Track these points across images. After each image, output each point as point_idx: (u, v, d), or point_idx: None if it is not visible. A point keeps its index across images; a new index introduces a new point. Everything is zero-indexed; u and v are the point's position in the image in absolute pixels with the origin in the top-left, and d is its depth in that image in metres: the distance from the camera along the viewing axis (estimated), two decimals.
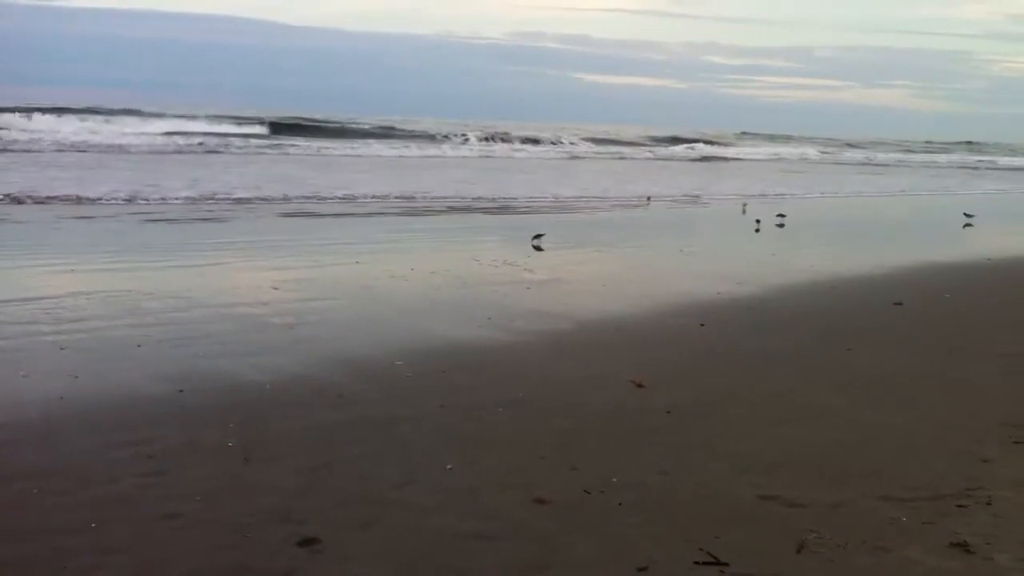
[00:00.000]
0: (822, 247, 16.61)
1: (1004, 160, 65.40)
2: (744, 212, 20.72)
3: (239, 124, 47.35)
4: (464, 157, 42.06)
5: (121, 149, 33.69)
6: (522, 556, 4.21)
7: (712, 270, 12.76)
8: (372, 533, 4.40)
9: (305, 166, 30.84)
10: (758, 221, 18.48)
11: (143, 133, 39.30)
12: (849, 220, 23.18)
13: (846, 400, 6.74)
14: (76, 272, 10.88)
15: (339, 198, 21.02)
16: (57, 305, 8.80)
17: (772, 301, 10.56)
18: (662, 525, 4.55)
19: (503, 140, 52.16)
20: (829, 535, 4.43)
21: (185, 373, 6.83)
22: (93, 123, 40.73)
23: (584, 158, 46.99)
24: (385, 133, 51.68)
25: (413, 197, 21.99)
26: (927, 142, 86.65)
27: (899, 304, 10.32)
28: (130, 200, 18.54)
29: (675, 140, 63.36)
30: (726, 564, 4.13)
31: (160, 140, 37.48)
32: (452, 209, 20.29)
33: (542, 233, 14.60)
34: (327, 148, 40.37)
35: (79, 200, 18.10)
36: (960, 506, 4.80)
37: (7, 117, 38.69)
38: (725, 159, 53.22)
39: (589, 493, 4.88)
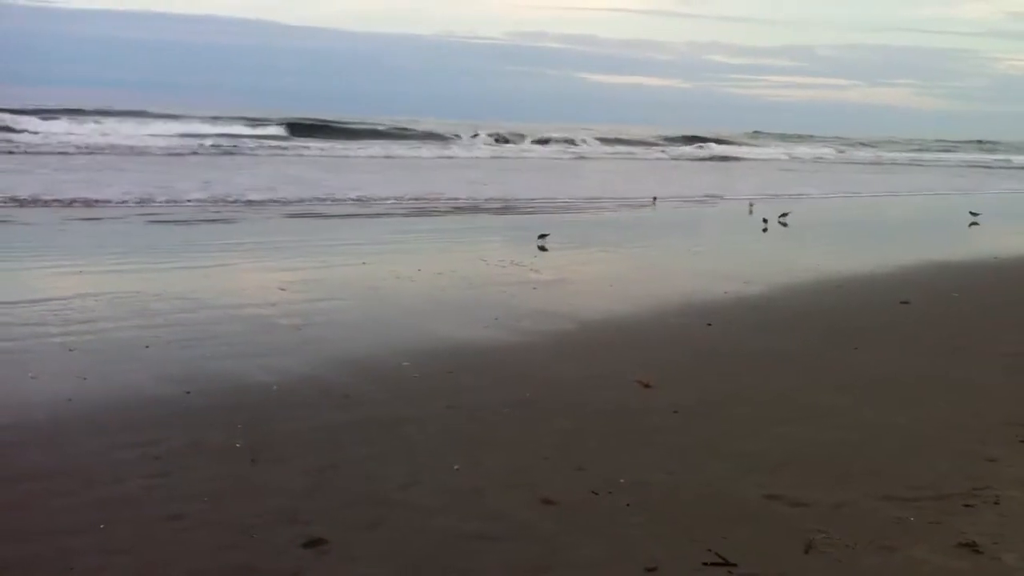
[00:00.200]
0: (828, 246, 16.58)
1: (1018, 159, 64.30)
2: (751, 212, 20.69)
3: (251, 125, 47.30)
4: (477, 158, 41.93)
5: (134, 151, 33.76)
6: (528, 557, 4.21)
7: (718, 270, 12.75)
8: (378, 534, 4.40)
9: (319, 167, 30.85)
10: (765, 220, 18.46)
11: (158, 135, 39.29)
12: (855, 219, 23.13)
13: (852, 399, 6.73)
14: (84, 273, 10.91)
15: (353, 199, 20.98)
16: (65, 306, 8.84)
17: (778, 300, 10.55)
18: (668, 525, 4.55)
19: (509, 141, 51.98)
20: (836, 535, 4.42)
21: (192, 374, 6.85)
22: (103, 125, 40.77)
23: (596, 158, 46.78)
24: (400, 134, 51.66)
25: (426, 198, 21.90)
26: (939, 140, 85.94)
27: (905, 303, 10.30)
28: (142, 202, 18.57)
29: (689, 139, 62.43)
30: (734, 564, 4.13)
31: (175, 142, 37.46)
32: (459, 209, 20.30)
33: (547, 233, 14.60)
34: (336, 149, 40.39)
35: (93, 203, 18.12)
36: (967, 505, 4.79)
37: (23, 119, 38.82)
38: (739, 159, 52.71)
39: (596, 494, 4.88)
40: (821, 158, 58.55)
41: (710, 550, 4.24)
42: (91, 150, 32.98)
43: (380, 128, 53.66)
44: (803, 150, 63.85)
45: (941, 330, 9.25)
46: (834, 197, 28.91)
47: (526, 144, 50.97)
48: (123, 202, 18.40)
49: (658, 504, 4.79)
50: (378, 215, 18.72)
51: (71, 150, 32.34)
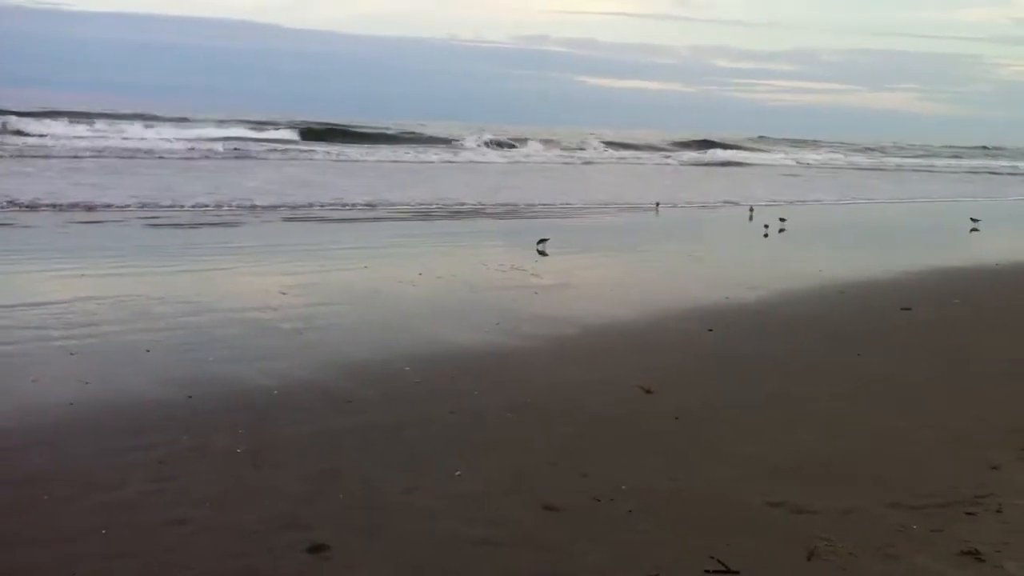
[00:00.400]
0: (829, 252, 16.57)
1: None
2: (751, 218, 20.70)
3: (258, 129, 47.22)
4: (485, 163, 41.75)
5: (141, 154, 33.70)
6: (530, 563, 4.21)
7: (720, 275, 12.76)
8: (380, 539, 4.40)
9: (333, 172, 30.73)
10: (766, 226, 18.46)
11: (167, 139, 39.22)
12: (857, 225, 23.12)
13: (854, 406, 6.72)
14: (86, 276, 10.91)
15: (363, 204, 20.85)
16: (67, 310, 8.84)
17: (780, 306, 10.54)
18: (671, 532, 4.54)
19: (515, 145, 51.84)
20: (839, 542, 4.41)
21: (194, 378, 6.85)
22: (109, 127, 40.78)
23: (603, 163, 46.55)
24: (410, 138, 51.55)
25: (436, 203, 21.76)
26: (947, 146, 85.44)
27: (907, 309, 10.29)
28: (144, 205, 18.52)
29: (698, 144, 61.89)
30: (736, 572, 4.12)
31: (183, 146, 37.41)
32: (460, 213, 20.30)
33: (546, 238, 14.57)
34: (345, 153, 40.33)
35: (99, 207, 18.10)
36: (970, 513, 4.79)
37: (26, 122, 38.86)
38: (748, 164, 52.18)
39: (598, 500, 4.87)
40: (826, 164, 57.64)
41: (713, 557, 4.23)
42: (98, 153, 32.95)
43: (390, 132, 53.55)
44: (814, 156, 63.08)
45: (943, 336, 9.24)
46: (848, 203, 28.70)
47: (532, 148, 50.82)
48: (126, 206, 18.35)
49: (660, 510, 4.79)
50: (379, 219, 18.72)
51: (85, 153, 32.25)
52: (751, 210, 21.94)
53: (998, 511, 4.81)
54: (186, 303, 9.43)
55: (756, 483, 5.15)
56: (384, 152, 42.27)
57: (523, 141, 52.73)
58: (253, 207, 19.28)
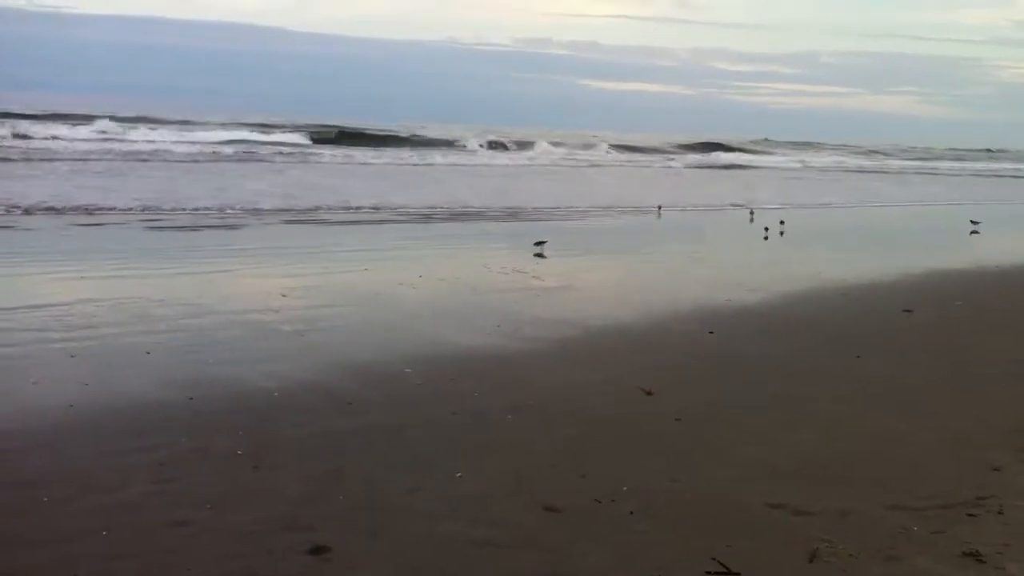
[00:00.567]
0: (831, 254, 16.56)
1: None
2: (752, 220, 20.70)
3: (264, 132, 47.16)
4: (493, 165, 41.66)
5: (146, 156, 33.71)
6: (532, 564, 4.21)
7: (721, 277, 12.75)
8: (381, 541, 4.40)
9: (343, 174, 30.74)
10: (766, 229, 18.44)
11: (180, 141, 39.22)
12: (857, 227, 23.10)
13: (855, 407, 6.72)
14: (86, 279, 10.91)
15: (370, 207, 20.81)
16: (67, 312, 8.84)
17: (781, 308, 10.54)
18: (672, 533, 4.54)
19: (521, 148, 51.79)
20: (840, 544, 4.41)
21: (195, 380, 6.85)
22: (113, 130, 40.81)
23: (608, 165, 46.46)
24: (417, 140, 51.54)
25: (442, 206, 21.72)
26: (951, 149, 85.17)
27: (908, 311, 10.29)
28: (148, 208, 18.52)
29: (703, 147, 61.75)
30: (737, 574, 4.12)
31: (196, 148, 37.38)
32: (462, 216, 20.29)
33: (544, 240, 14.54)
34: (353, 156, 40.35)
35: (106, 210, 18.10)
36: (971, 515, 4.78)
37: (29, 124, 38.92)
38: (754, 167, 51.96)
39: (599, 501, 4.87)
40: (830, 167, 56.97)
41: (714, 558, 4.23)
42: (103, 156, 32.96)
43: (402, 135, 53.50)
44: (824, 159, 62.61)
45: (944, 338, 9.24)
46: (856, 207, 28.55)
47: (538, 150, 50.76)
48: (129, 209, 18.35)
49: (661, 512, 4.78)
50: (381, 221, 18.72)
51: (91, 156, 32.23)
52: (752, 213, 21.94)
53: (999, 512, 4.80)
54: (187, 305, 9.43)
55: (757, 484, 5.14)
56: (393, 155, 42.17)
57: (529, 144, 52.66)
58: (256, 210, 19.27)
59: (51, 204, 18.11)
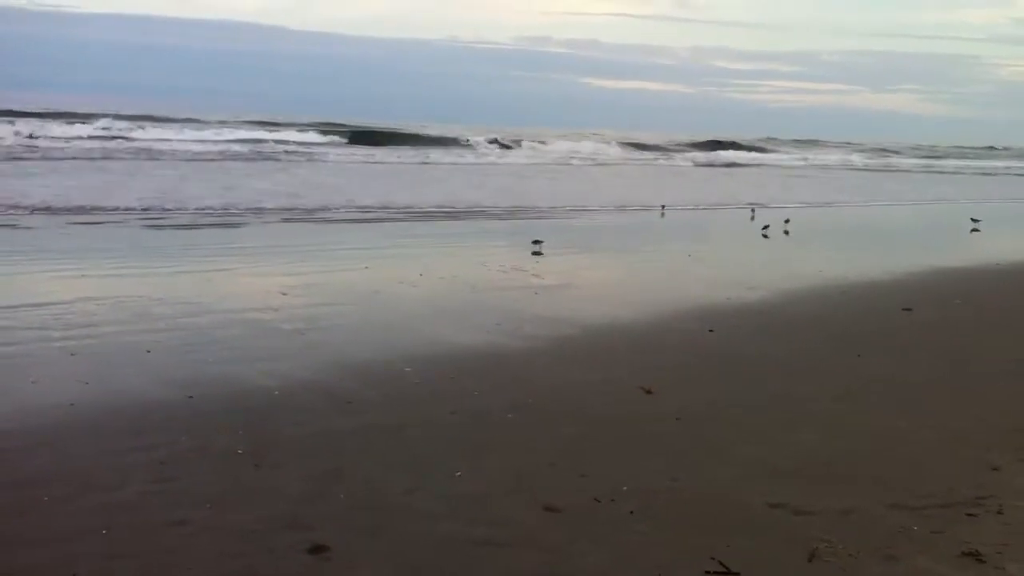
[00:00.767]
0: (831, 253, 16.55)
1: None
2: (753, 219, 20.69)
3: (270, 130, 47.13)
4: (499, 164, 41.46)
5: (153, 154, 33.71)
6: (531, 564, 4.21)
7: (721, 276, 12.74)
8: (380, 540, 4.40)
9: (351, 174, 30.77)
10: (766, 227, 18.45)
11: (181, 139, 39.20)
12: (857, 226, 23.10)
13: (855, 406, 6.72)
14: (86, 277, 10.91)
15: (378, 206, 20.73)
16: (67, 310, 8.84)
17: (781, 306, 10.54)
18: (672, 533, 4.54)
19: (531, 147, 51.73)
20: (840, 543, 4.41)
21: (195, 379, 6.85)
22: (115, 129, 40.80)
23: (613, 164, 46.34)
24: (427, 140, 51.56)
25: (446, 205, 21.64)
26: (957, 147, 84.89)
27: (908, 310, 10.29)
28: (149, 208, 18.51)
29: (711, 145, 61.35)
30: (737, 573, 4.12)
31: (199, 148, 37.36)
32: (463, 214, 20.27)
33: (541, 239, 14.54)
34: (359, 155, 40.37)
35: (114, 209, 18.11)
36: (970, 515, 4.78)
37: (30, 123, 38.94)
38: (765, 165, 51.73)
39: (599, 501, 4.87)
40: (835, 165, 56.67)
41: (713, 558, 4.23)
42: (114, 154, 32.96)
43: (405, 132, 53.50)
44: (831, 157, 62.36)
45: (944, 337, 9.24)
46: (867, 206, 28.48)
47: (543, 148, 50.70)
48: (129, 208, 18.33)
49: (661, 511, 4.78)
50: (381, 220, 18.71)
51: (95, 155, 32.20)
52: (752, 211, 21.93)
53: (999, 512, 4.80)
54: (187, 304, 9.43)
55: (757, 484, 5.14)
56: (402, 153, 42.15)
57: (540, 142, 52.60)
58: (260, 209, 19.25)
59: (55, 203, 18.11)
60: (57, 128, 38.35)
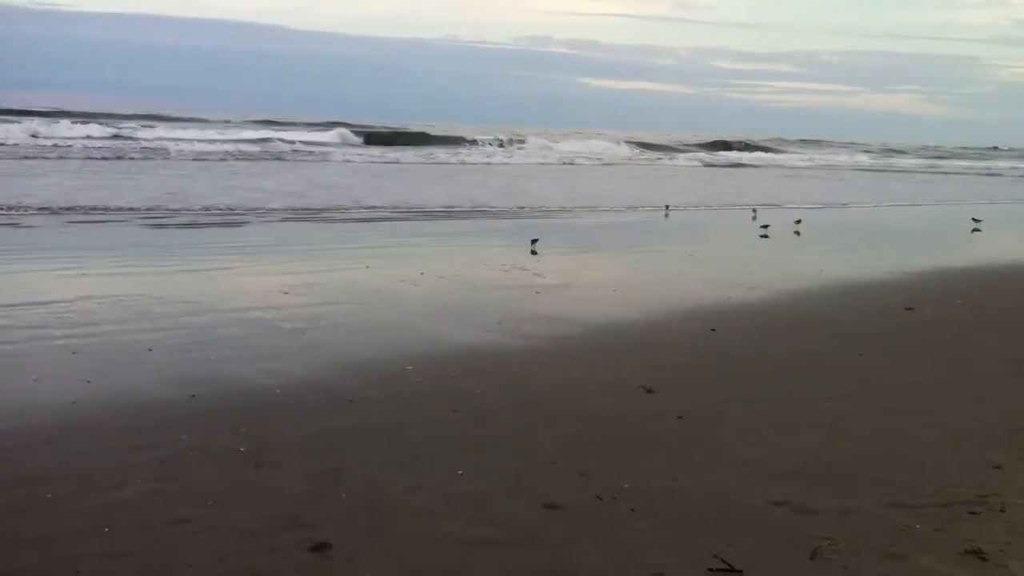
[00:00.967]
0: (833, 252, 16.53)
1: None
2: (754, 219, 20.66)
3: (275, 129, 47.16)
4: (504, 164, 41.31)
5: (157, 154, 33.72)
6: (532, 563, 4.20)
7: (722, 275, 12.73)
8: (382, 539, 4.39)
9: (365, 174, 30.76)
10: (765, 227, 18.41)
11: (182, 139, 39.16)
12: (859, 226, 23.07)
13: (857, 406, 6.71)
14: (87, 276, 10.91)
15: (387, 208, 20.77)
16: (68, 309, 8.84)
17: (782, 306, 10.53)
18: (673, 531, 4.53)
19: (540, 147, 51.75)
20: (842, 542, 4.40)
21: (196, 377, 6.85)
22: (117, 129, 40.83)
23: (616, 164, 46.27)
24: (438, 140, 51.63)
25: (448, 205, 21.59)
26: (960, 147, 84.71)
27: (910, 309, 10.28)
28: (152, 208, 18.51)
29: (720, 145, 61.24)
30: (739, 571, 4.11)
31: (203, 147, 37.38)
32: (464, 213, 20.26)
33: (537, 239, 14.55)
34: (366, 155, 40.40)
35: (118, 209, 18.11)
36: (973, 513, 4.77)
37: (31, 122, 38.99)
38: (776, 166, 51.32)
39: (600, 499, 4.87)
40: (843, 166, 56.08)
41: (715, 556, 4.22)
42: (119, 153, 32.96)
43: (413, 132, 53.57)
44: (839, 157, 62.09)
45: (946, 336, 9.23)
46: (881, 207, 28.40)
47: (553, 148, 50.71)
48: (132, 208, 18.33)
49: (663, 510, 4.78)
50: (382, 219, 18.70)
51: (96, 154, 32.20)
52: (754, 211, 21.92)
53: (1001, 511, 4.80)
54: (188, 302, 9.43)
55: (758, 483, 5.14)
56: (409, 153, 42.19)
57: (547, 141, 52.62)
58: (263, 208, 19.24)
59: (57, 203, 18.12)
60: (61, 128, 38.40)
